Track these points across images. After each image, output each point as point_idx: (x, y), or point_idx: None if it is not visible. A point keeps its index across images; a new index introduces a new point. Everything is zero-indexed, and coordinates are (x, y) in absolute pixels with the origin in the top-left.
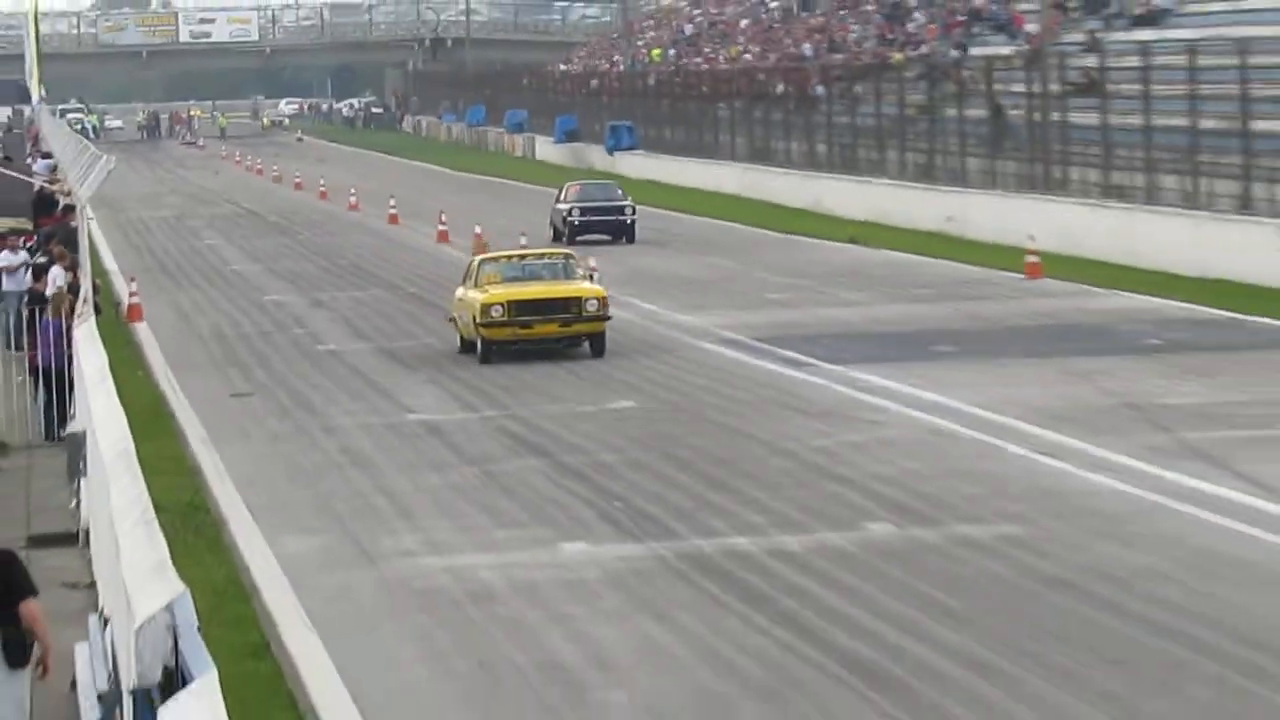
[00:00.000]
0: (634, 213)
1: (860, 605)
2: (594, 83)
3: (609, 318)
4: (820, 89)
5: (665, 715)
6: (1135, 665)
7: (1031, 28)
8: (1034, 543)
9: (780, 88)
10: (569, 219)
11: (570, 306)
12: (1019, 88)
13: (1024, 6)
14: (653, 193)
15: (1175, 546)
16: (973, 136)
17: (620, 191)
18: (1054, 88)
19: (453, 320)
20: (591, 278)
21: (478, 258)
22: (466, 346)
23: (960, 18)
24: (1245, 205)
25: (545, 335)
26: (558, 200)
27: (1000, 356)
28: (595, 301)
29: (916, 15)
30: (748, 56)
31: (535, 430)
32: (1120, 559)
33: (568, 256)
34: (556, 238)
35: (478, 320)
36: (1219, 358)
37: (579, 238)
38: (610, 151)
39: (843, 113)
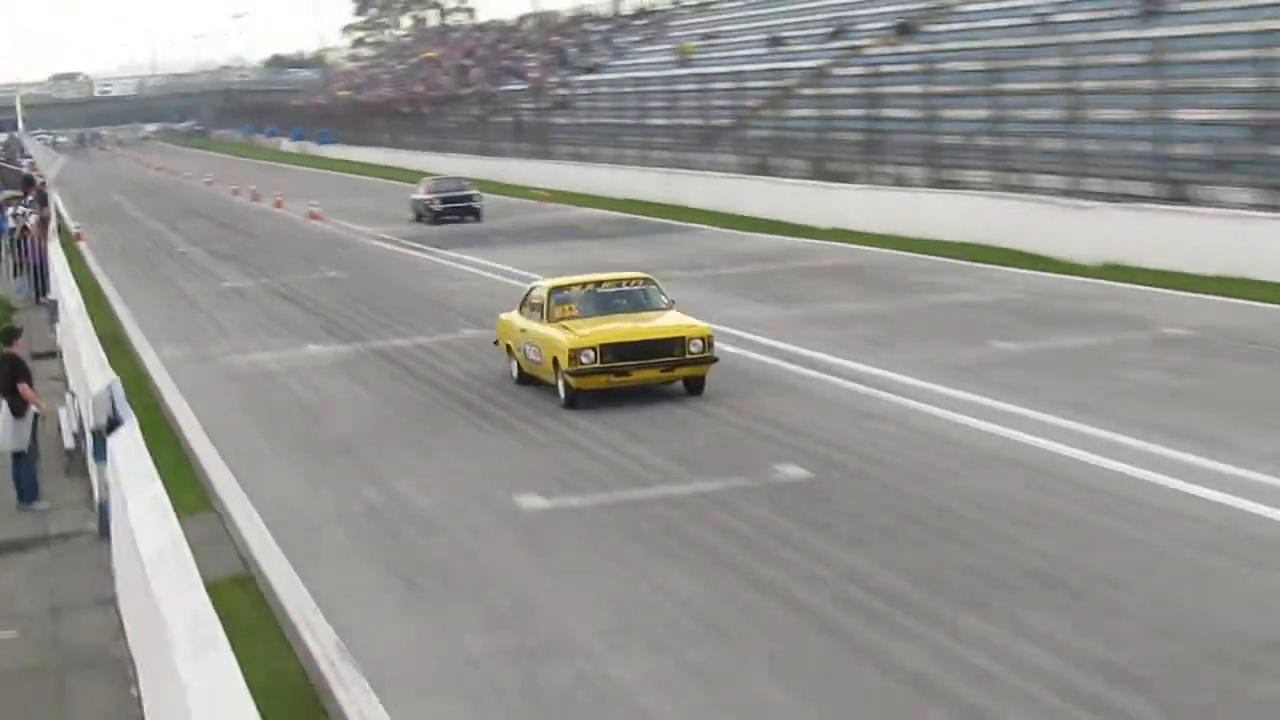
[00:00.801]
0: (480, 199)
1: (461, 371)
2: (311, 109)
3: (715, 359)
4: (426, 109)
5: (365, 431)
6: (726, 437)
7: (534, 75)
8: None
9: (405, 109)
10: (432, 206)
11: (672, 348)
12: (528, 105)
13: (530, 63)
14: (345, 166)
15: (739, 369)
16: (505, 133)
17: (466, 183)
18: (545, 105)
19: (507, 348)
20: (673, 305)
21: (546, 285)
22: (525, 379)
23: (498, 70)
24: (674, 162)
25: (643, 382)
26: (416, 193)
27: (526, 243)
28: (700, 341)
29: (474, 70)
30: (388, 93)
31: (290, 290)
32: (715, 379)
33: (648, 281)
34: (419, 219)
35: (564, 367)
36: (638, 239)
37: (440, 220)
38: (320, 144)
39: (437, 121)
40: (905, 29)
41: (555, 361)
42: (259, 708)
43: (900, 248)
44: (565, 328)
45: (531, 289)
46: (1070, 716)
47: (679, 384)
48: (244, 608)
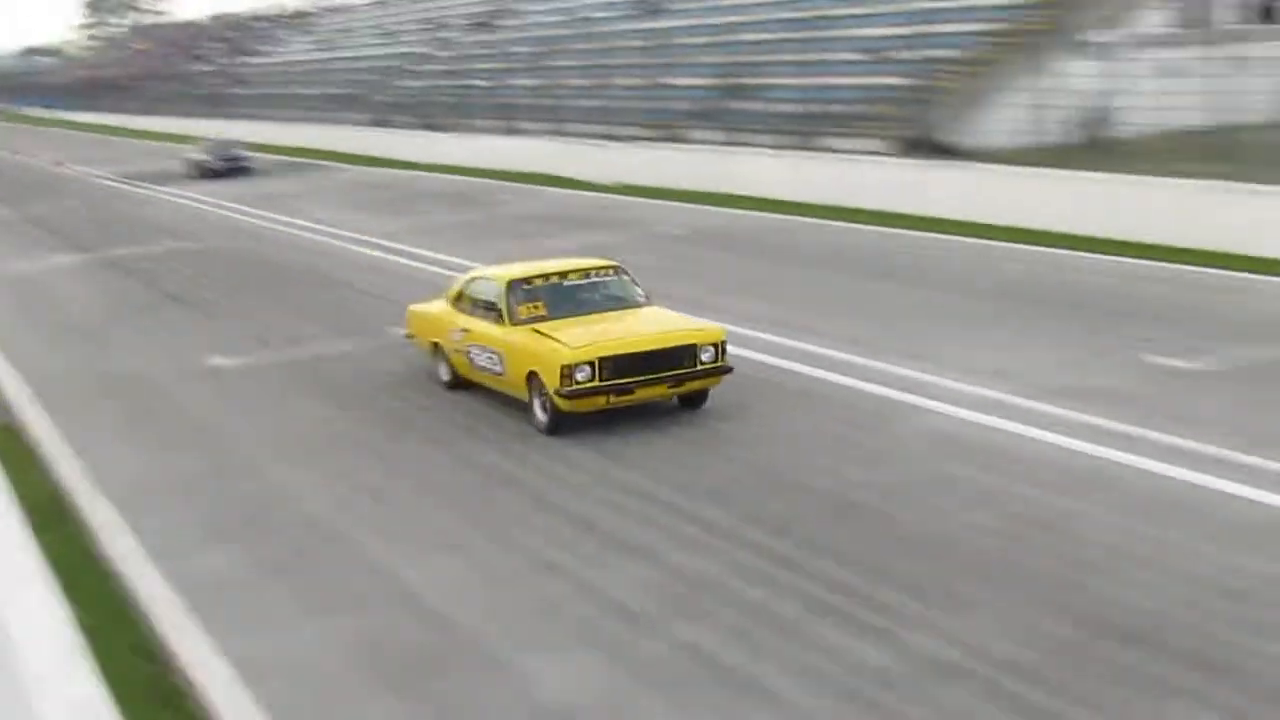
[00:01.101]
0: (252, 160)
1: (165, 269)
2: (57, 86)
3: (730, 369)
4: (141, 84)
5: (96, 317)
6: (357, 314)
7: (218, 59)
8: (319, 259)
9: (125, 85)
10: (209, 165)
11: (682, 358)
12: (215, 81)
13: (215, 50)
14: (81, 127)
15: (367, 264)
16: (197, 101)
17: (237, 146)
18: (226, 80)
19: (434, 346)
20: (649, 299)
21: (501, 278)
22: (460, 385)
23: (191, 55)
24: (322, 120)
25: (646, 400)
26: (193, 154)
27: (212, 179)
28: (711, 349)
29: (173, 57)
30: (113, 73)
31: (39, 218)
32: (351, 272)
33: (618, 270)
34: (202, 176)
35: (553, 386)
36: (297, 175)
37: (218, 177)
38: (65, 111)
39: (149, 93)
40: (482, 24)
41: (532, 377)
42: (26, 517)
43: (481, 177)
44: (541, 334)
45: (472, 280)
46: (726, 550)
47: None
48: (11, 448)
